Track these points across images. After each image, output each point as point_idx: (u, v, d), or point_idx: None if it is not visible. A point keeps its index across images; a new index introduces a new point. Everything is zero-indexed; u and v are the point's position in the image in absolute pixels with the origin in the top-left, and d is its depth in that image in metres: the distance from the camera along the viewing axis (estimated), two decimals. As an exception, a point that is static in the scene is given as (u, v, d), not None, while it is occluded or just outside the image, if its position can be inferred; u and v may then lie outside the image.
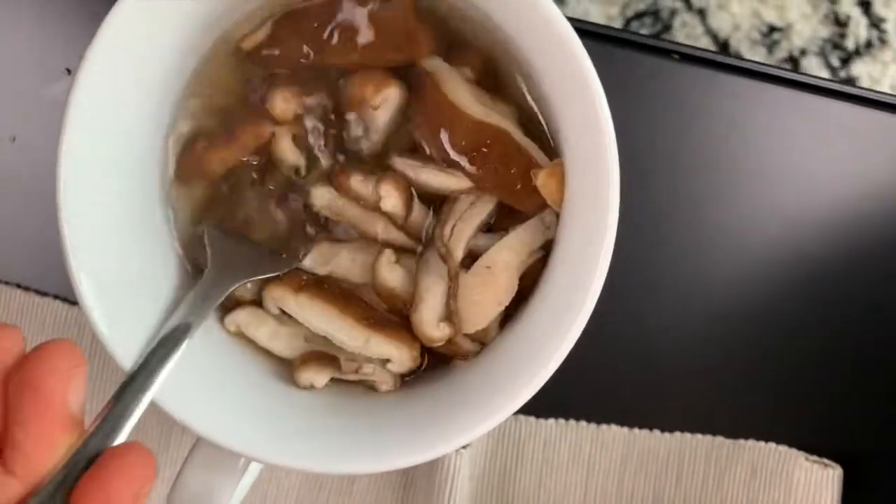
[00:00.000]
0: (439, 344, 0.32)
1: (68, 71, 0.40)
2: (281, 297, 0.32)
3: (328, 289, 0.33)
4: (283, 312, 0.33)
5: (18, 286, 0.40)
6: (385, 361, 0.33)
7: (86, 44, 0.29)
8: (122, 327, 0.29)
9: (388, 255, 0.32)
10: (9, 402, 0.22)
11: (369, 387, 0.33)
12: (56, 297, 0.40)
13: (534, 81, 0.31)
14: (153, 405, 0.28)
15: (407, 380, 0.34)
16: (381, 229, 0.33)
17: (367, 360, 0.33)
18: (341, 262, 0.33)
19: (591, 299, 0.29)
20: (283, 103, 0.32)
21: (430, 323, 0.32)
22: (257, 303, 0.33)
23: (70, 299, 0.40)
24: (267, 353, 0.33)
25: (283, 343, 0.33)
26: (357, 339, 0.32)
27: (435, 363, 0.33)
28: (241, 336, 0.33)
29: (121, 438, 0.25)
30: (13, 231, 0.40)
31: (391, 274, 0.32)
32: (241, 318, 0.33)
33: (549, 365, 0.29)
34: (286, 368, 0.33)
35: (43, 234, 0.39)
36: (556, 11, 0.28)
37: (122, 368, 0.28)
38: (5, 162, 0.40)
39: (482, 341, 0.33)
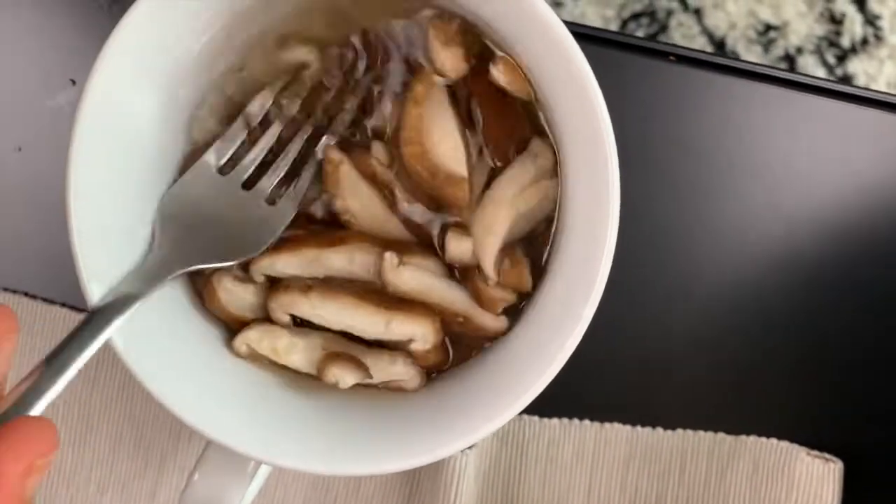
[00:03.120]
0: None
1: (73, 81, 0.40)
2: (290, 302, 0.32)
3: (338, 286, 0.32)
4: (294, 321, 0.33)
5: (26, 294, 0.40)
6: (408, 343, 0.32)
7: (90, 54, 0.29)
8: (132, 332, 0.29)
9: (391, 258, 0.31)
10: None
11: (378, 390, 0.33)
12: (63, 304, 0.40)
13: (533, 82, 0.31)
14: (163, 410, 0.29)
15: (433, 376, 0.33)
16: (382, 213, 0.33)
17: (390, 356, 0.33)
18: (334, 264, 0.32)
19: (591, 304, 0.29)
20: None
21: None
22: (260, 319, 0.33)
23: (77, 307, 0.40)
24: (274, 363, 0.33)
25: (300, 355, 0.32)
26: (377, 324, 0.32)
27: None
28: (253, 357, 0.33)
29: (36, 411, 0.25)
30: (20, 240, 0.41)
31: (400, 278, 0.32)
32: (252, 336, 0.32)
33: (552, 366, 0.29)
34: (293, 373, 0.33)
35: (49, 242, 0.40)
36: (553, 17, 0.28)
37: (134, 376, 0.29)
38: (11, 172, 0.41)
39: (517, 288, 0.33)
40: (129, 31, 0.29)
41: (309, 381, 0.33)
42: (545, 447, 0.40)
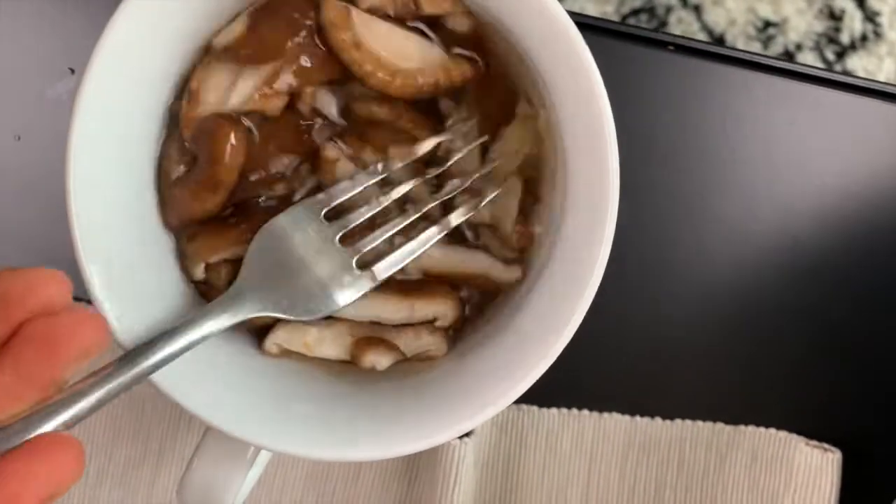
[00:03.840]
0: None
1: (72, 70, 0.40)
2: None
3: None
4: None
5: (25, 283, 0.40)
6: (433, 321, 0.33)
7: (89, 43, 0.29)
8: (130, 318, 0.29)
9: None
10: (17, 337, 0.22)
11: (379, 375, 0.34)
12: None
13: (533, 68, 0.32)
14: (162, 398, 0.29)
15: (457, 337, 0.34)
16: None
17: (414, 331, 0.33)
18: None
19: (590, 290, 0.29)
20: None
21: None
22: None
23: (77, 295, 0.40)
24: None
25: (331, 346, 0.33)
26: (402, 311, 0.33)
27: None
28: (284, 355, 0.33)
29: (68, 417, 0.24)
30: (19, 228, 0.41)
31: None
32: (281, 336, 0.33)
33: (548, 356, 0.29)
34: (293, 358, 0.33)
35: (48, 231, 0.40)
36: (558, 7, 0.28)
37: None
38: (11, 160, 0.41)
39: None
40: (127, 18, 0.29)
41: (308, 367, 0.33)
42: (544, 437, 0.40)
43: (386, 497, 0.40)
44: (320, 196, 0.32)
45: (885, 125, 0.41)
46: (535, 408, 0.40)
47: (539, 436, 0.40)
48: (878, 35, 0.88)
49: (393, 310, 0.33)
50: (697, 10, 0.89)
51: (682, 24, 0.88)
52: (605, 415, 0.40)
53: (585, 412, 0.40)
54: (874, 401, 0.41)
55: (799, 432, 0.39)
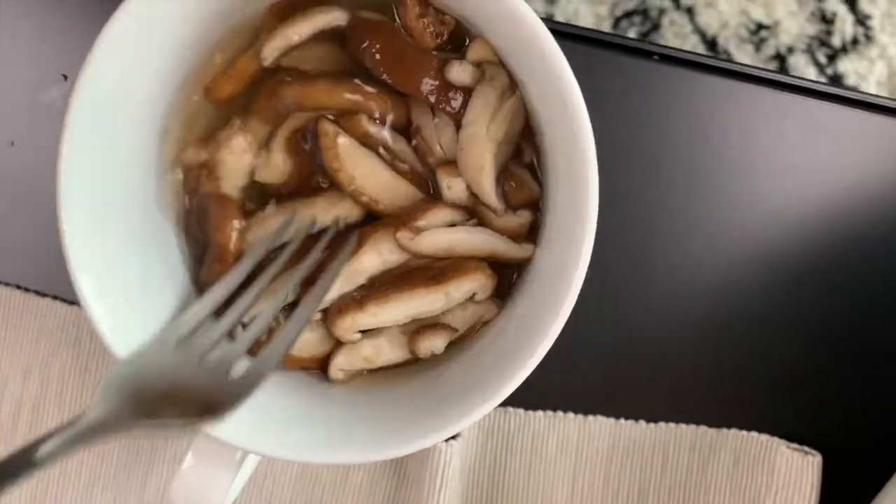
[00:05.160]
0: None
1: (65, 77, 0.41)
2: (352, 323, 0.33)
3: (383, 283, 0.33)
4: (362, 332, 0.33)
5: (18, 287, 0.41)
6: (472, 297, 0.33)
7: (82, 50, 0.29)
8: (122, 326, 0.29)
9: (402, 236, 0.32)
10: None
11: (370, 376, 0.34)
12: (55, 297, 0.41)
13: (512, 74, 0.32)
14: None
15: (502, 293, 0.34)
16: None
17: (460, 306, 0.33)
18: (369, 265, 0.33)
19: (572, 295, 0.29)
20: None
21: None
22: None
23: (69, 299, 0.41)
24: None
25: (390, 351, 0.33)
26: (438, 300, 0.32)
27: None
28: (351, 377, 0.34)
29: None
30: (12, 233, 0.41)
31: (421, 246, 0.32)
32: (342, 362, 0.33)
33: (532, 359, 0.30)
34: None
35: (41, 235, 0.40)
36: (530, 13, 0.28)
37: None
38: (4, 166, 0.41)
39: (529, 202, 0.33)
40: (120, 25, 0.29)
41: (298, 373, 0.33)
42: (530, 439, 0.40)
43: (373, 500, 0.41)
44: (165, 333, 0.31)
45: (872, 136, 0.41)
46: (521, 410, 0.41)
47: (525, 438, 0.40)
48: (869, 38, 0.89)
49: (426, 300, 0.32)
50: (690, 12, 0.89)
51: (675, 27, 0.89)
52: (590, 418, 0.41)
53: (571, 415, 0.41)
54: (853, 405, 0.41)
55: (780, 436, 0.40)
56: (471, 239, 0.33)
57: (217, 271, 0.33)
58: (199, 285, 0.33)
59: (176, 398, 0.28)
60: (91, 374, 0.40)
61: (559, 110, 0.29)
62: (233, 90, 0.33)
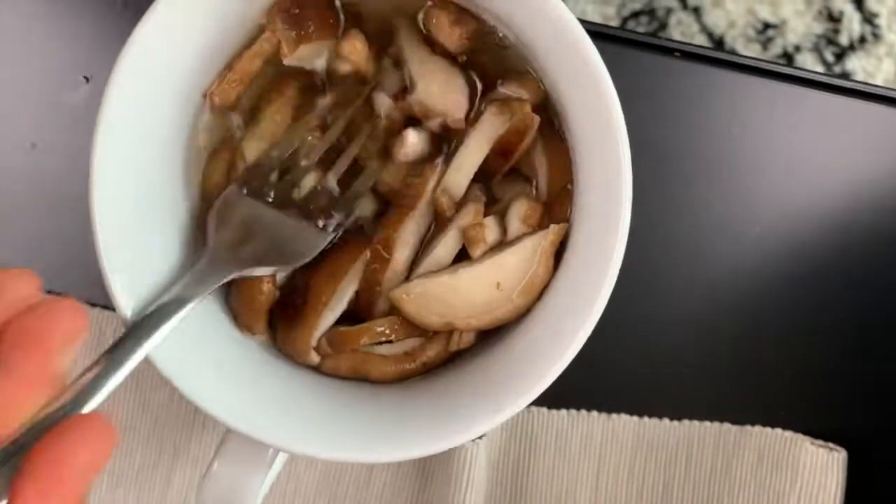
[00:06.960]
0: None
1: (87, 79, 0.41)
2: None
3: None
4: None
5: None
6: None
7: (104, 52, 0.30)
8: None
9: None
10: (1, 344, 0.23)
11: (396, 375, 0.34)
12: (76, 298, 0.41)
13: (544, 76, 0.32)
14: (178, 401, 0.29)
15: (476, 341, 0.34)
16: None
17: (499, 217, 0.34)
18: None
19: (603, 296, 0.30)
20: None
21: None
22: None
23: (91, 301, 0.41)
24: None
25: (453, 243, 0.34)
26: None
27: (453, 355, 0.34)
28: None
29: (92, 405, 0.25)
30: (35, 236, 0.41)
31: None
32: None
33: (562, 359, 0.30)
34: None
35: (63, 236, 0.40)
36: (569, 15, 0.29)
37: (159, 372, 0.29)
38: (26, 168, 0.41)
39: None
40: (151, 27, 0.29)
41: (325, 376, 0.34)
42: (553, 438, 0.40)
43: (398, 499, 0.41)
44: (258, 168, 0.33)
45: (886, 128, 0.41)
46: (544, 409, 0.41)
47: (549, 437, 0.40)
48: (876, 36, 0.89)
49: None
50: (697, 12, 0.90)
51: (682, 26, 0.89)
52: (614, 416, 0.41)
53: (594, 413, 0.41)
54: (879, 400, 0.41)
55: (804, 432, 0.40)
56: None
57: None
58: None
59: (264, 241, 0.31)
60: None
61: (588, 97, 0.29)
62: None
